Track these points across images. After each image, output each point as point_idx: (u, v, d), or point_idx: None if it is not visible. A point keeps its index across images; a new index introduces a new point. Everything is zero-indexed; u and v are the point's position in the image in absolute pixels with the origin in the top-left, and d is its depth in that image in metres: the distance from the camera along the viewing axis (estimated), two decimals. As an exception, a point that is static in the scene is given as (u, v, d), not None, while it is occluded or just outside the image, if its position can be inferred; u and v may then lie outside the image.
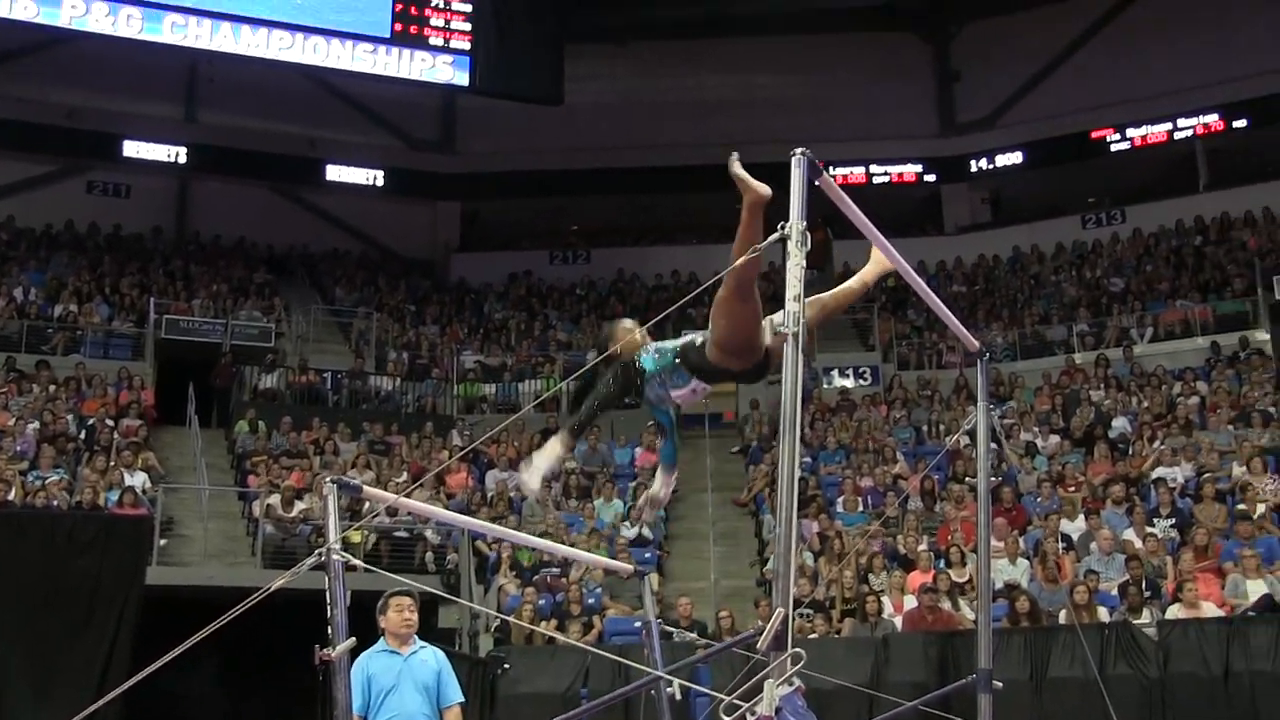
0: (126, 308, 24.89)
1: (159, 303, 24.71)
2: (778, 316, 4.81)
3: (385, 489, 17.53)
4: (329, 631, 4.97)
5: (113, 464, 18.53)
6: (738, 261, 4.89)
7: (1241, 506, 16.02)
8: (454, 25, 26.73)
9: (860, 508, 18.09)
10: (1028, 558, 15.64)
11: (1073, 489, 17.67)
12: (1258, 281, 23.86)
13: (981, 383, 7.34)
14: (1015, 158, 30.99)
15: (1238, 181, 28.40)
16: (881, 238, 5.28)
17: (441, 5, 26.70)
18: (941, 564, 15.73)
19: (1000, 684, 7.26)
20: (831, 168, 27.75)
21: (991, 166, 31.25)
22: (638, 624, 8.80)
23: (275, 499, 18.01)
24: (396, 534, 17.92)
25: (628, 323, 5.71)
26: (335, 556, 5.04)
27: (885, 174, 31.40)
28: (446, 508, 17.58)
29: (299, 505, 17.95)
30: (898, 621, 14.61)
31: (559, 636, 13.41)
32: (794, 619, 4.04)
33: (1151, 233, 28.20)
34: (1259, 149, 29.05)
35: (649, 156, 30.74)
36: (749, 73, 31.82)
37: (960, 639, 13.12)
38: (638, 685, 7.70)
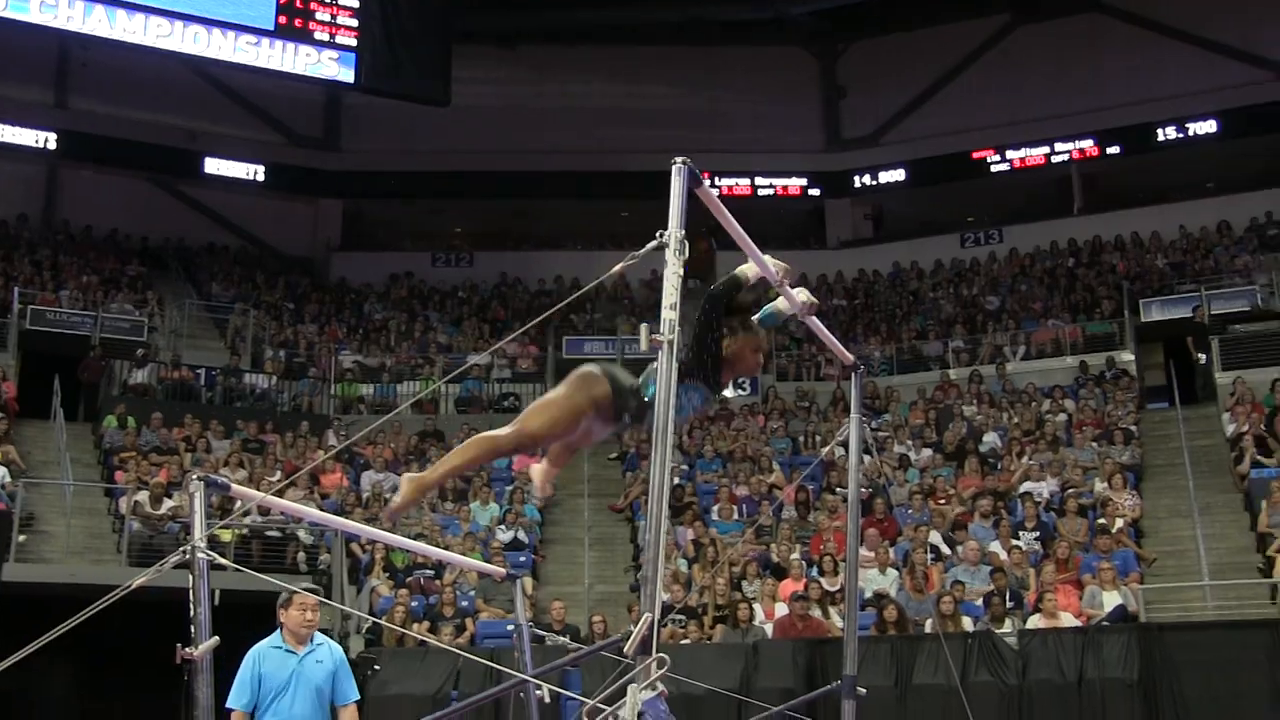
0: (-12, 296, 24.20)
1: (24, 292, 23.98)
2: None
3: (258, 488, 17.29)
4: (192, 631, 4.88)
5: (-30, 458, 18.01)
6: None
7: (1102, 521, 16.48)
8: (340, 20, 26.43)
9: (735, 516, 18.23)
10: (897, 568, 15.90)
11: (943, 501, 17.99)
12: (1125, 304, 24.51)
13: (855, 396, 7.44)
14: (898, 175, 31.49)
15: (1110, 206, 29.31)
16: (757, 250, 5.31)
17: (327, 0, 26.37)
18: (814, 572, 15.93)
19: (865, 691, 7.38)
20: (718, 179, 28.21)
21: (874, 183, 31.72)
22: (510, 627, 8.80)
23: (143, 496, 17.66)
24: (268, 533, 17.67)
25: (758, 338, 5.47)
26: (200, 555, 4.96)
27: (770, 187, 31.69)
28: (320, 508, 17.40)
29: (168, 503, 17.61)
30: (769, 628, 14.76)
31: (430, 639, 13.32)
32: (663, 625, 4.07)
33: (1027, 253, 28.84)
34: (1130, 176, 29.95)
35: (535, 161, 30.72)
36: (637, 82, 31.95)
37: (829, 646, 13.32)
38: (505, 687, 7.70)
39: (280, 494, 13.96)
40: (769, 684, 13.12)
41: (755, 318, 5.25)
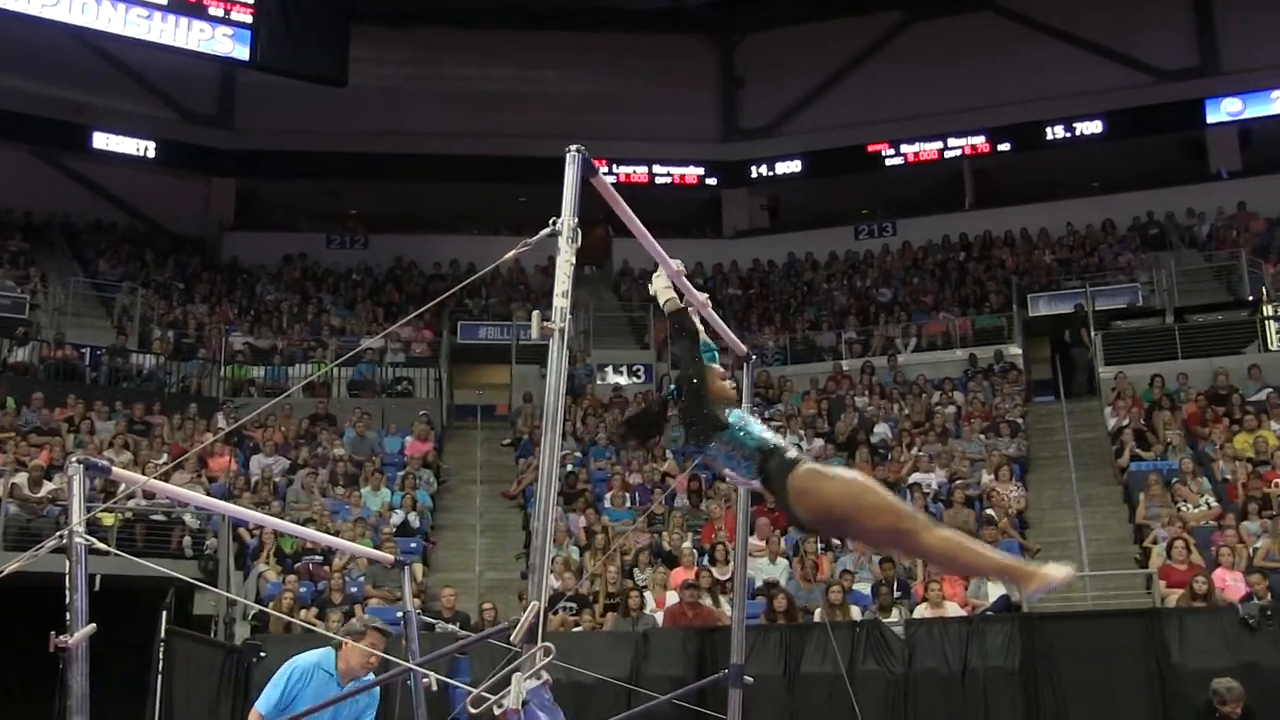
0: None
1: (-103, 267, 23.34)
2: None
3: (144, 470, 17.00)
4: (67, 618, 4.78)
5: None
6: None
7: (989, 512, 16.77)
8: (235, -4, 26.02)
9: (628, 504, 18.28)
10: (788, 557, 16.04)
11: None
12: (1013, 298, 24.95)
13: (746, 386, 7.48)
14: (794, 166, 31.77)
15: (1000, 202, 29.90)
16: (651, 238, 5.34)
17: (223, -25, 25.97)
18: (705, 561, 16.02)
19: (752, 679, 7.44)
20: (615, 166, 28.22)
21: (771, 173, 31.96)
22: (400, 613, 8.76)
23: (21, 478, 17.23)
24: (153, 517, 17.34)
25: (719, 369, 5.50)
26: (78, 539, 4.86)
27: (668, 175, 31.80)
28: (208, 491, 17.16)
29: (48, 485, 17.22)
30: (659, 617, 14.81)
31: (317, 627, 13.17)
32: (554, 612, 4.07)
33: (920, 246, 29.24)
34: (1020, 173, 30.54)
35: (432, 144, 30.52)
36: (536, 67, 31.87)
37: (719, 635, 13.38)
38: (390, 675, 7.64)
39: (166, 477, 13.74)
40: (659, 672, 13.18)
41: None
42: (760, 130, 32.34)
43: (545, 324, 4.20)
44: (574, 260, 4.34)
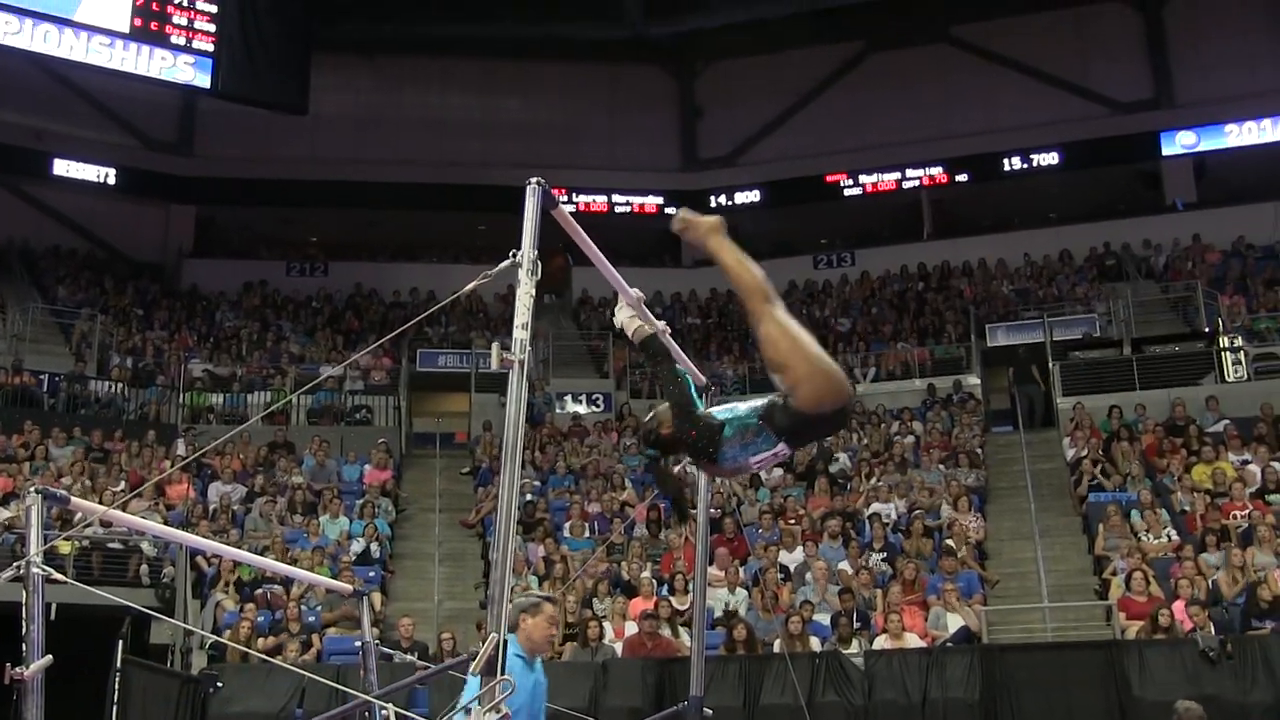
0: None
1: None
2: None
3: (101, 498, 16.90)
4: (23, 649, 4.74)
5: None
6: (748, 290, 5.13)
7: (948, 542, 16.82)
8: (197, 25, 25.95)
9: (587, 533, 18.25)
10: (747, 587, 16.05)
11: (793, 521, 18.20)
12: (971, 329, 25.12)
13: (705, 415, 7.50)
14: (753, 196, 31.92)
15: (958, 233, 30.14)
16: (610, 268, 5.38)
17: (185, 4, 25.87)
18: (664, 591, 16.01)
19: (711, 711, 7.45)
20: (574, 195, 28.30)
21: (730, 203, 32.03)
22: (358, 643, 8.71)
23: (-23, 506, 17.10)
24: (110, 545, 17.21)
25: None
26: (35, 570, 4.83)
27: (627, 204, 31.87)
28: (166, 519, 17.05)
29: (4, 513, 17.06)
30: (618, 647, 14.79)
31: (273, 661, 13.08)
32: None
33: (879, 276, 29.41)
34: (978, 203, 30.81)
35: (392, 172, 30.53)
36: (496, 95, 31.97)
37: (678, 665, 13.39)
38: (348, 707, 7.59)
39: (124, 505, 13.64)
40: (618, 703, 13.17)
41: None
42: (719, 160, 32.50)
43: (505, 355, 4.21)
44: (534, 292, 4.36)
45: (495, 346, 4.25)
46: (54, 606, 11.47)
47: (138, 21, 25.36)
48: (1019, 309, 25.83)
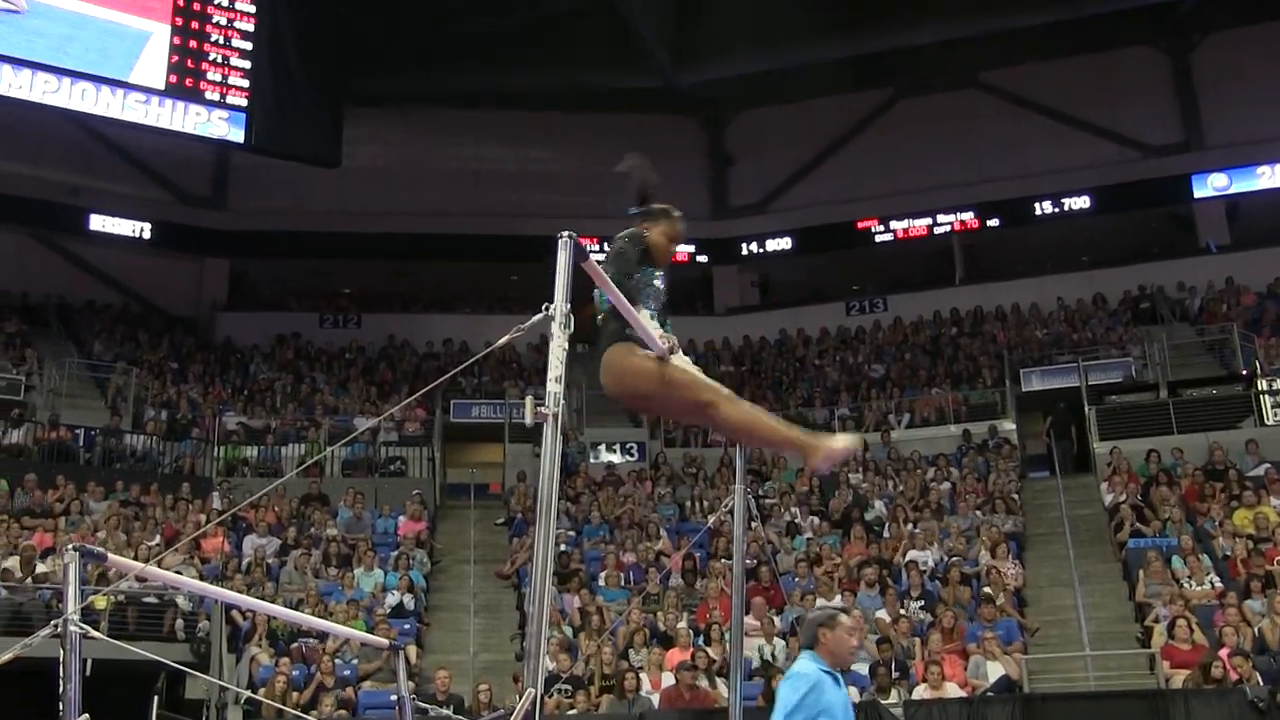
0: None
1: (-103, 350, 23.33)
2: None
3: (137, 552, 16.96)
4: (60, 709, 4.74)
5: None
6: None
7: (987, 590, 16.67)
8: (231, 81, 26.16)
9: (622, 583, 18.18)
10: (784, 637, 15.93)
11: (829, 570, 18.08)
12: (1006, 374, 24.99)
13: (739, 466, 7.48)
14: (784, 243, 31.92)
15: (990, 277, 30.05)
16: (639, 320, 5.37)
17: (219, 60, 26.10)
18: (700, 641, 15.92)
19: (749, 763, 7.36)
20: (606, 244, 28.38)
21: (761, 250, 32.11)
22: (394, 696, 8.67)
23: (13, 562, 17.13)
24: (145, 599, 17.23)
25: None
26: (73, 628, 4.83)
27: (659, 252, 31.81)
28: (201, 573, 17.09)
29: (41, 567, 17.12)
30: (655, 698, 14.69)
31: (309, 716, 13.04)
32: (549, 695, 4.05)
33: (911, 322, 29.33)
34: (1009, 248, 30.73)
35: (424, 223, 30.67)
36: (526, 146, 32.14)
37: (715, 716, 13.28)
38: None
39: (159, 561, 13.68)
40: (655, 754, 13.06)
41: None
42: (750, 207, 32.56)
43: (539, 409, 4.19)
44: (567, 345, 4.34)
45: (529, 400, 4.23)
46: (89, 662, 11.48)
47: (173, 78, 25.59)
48: (1053, 353, 25.69)
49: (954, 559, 17.91)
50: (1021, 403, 24.52)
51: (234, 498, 20.91)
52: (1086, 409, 22.63)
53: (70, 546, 5.23)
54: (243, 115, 26.28)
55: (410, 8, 27.83)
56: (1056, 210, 30.07)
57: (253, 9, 26.56)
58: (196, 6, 26.01)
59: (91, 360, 26.60)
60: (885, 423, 24.62)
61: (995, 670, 14.57)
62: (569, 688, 14.88)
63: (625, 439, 25.54)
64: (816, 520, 20.38)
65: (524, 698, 3.95)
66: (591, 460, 24.48)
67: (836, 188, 31.62)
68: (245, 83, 26.32)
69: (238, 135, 26.53)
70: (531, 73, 29.81)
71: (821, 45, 28.84)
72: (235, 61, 26.30)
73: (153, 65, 25.44)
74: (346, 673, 15.68)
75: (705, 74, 30.35)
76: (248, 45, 26.41)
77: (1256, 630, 14.72)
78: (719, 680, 14.67)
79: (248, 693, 14.54)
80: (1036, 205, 30.17)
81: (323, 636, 16.14)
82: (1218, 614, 15.25)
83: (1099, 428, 22.20)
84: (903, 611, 16.43)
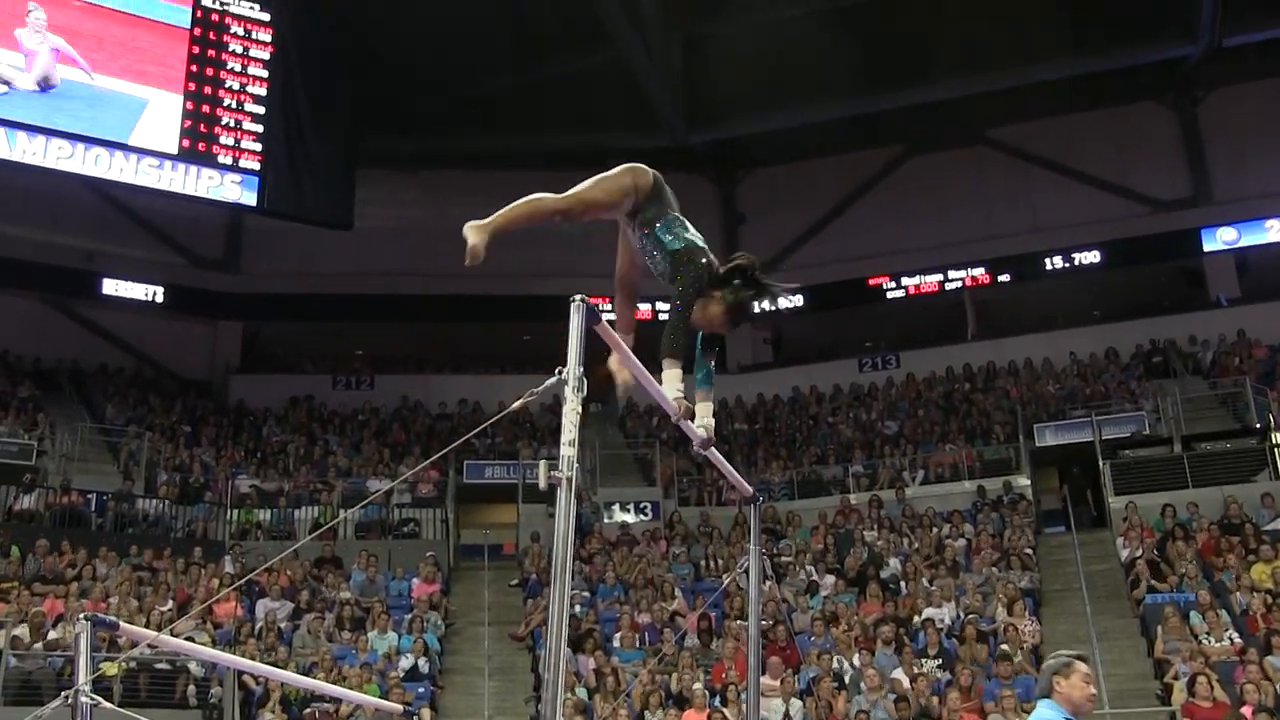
0: None
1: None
2: None
3: (149, 617, 16.91)
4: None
5: None
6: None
7: (1004, 647, 16.54)
8: (244, 145, 26.34)
9: (637, 644, 18.07)
10: (801, 697, 15.81)
11: (845, 628, 17.97)
12: (1019, 429, 24.91)
13: (754, 527, 7.45)
14: (796, 300, 31.95)
15: (1002, 332, 30.00)
16: (654, 381, 5.37)
17: (231, 124, 26.29)
18: (717, 702, 15.79)
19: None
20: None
21: (774, 308, 32.12)
22: (407, 763, 8.65)
23: (23, 629, 17.06)
24: (158, 665, 17.16)
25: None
26: (84, 699, 4.80)
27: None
28: (213, 638, 17.03)
29: (52, 634, 17.06)
30: (672, 760, 14.58)
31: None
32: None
33: (924, 378, 29.29)
34: (1020, 302, 30.75)
35: (436, 284, 30.71)
36: (539, 206, 32.16)
37: (732, 779, 13.16)
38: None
39: (172, 624, 13.63)
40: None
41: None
42: (762, 265, 32.55)
43: (553, 473, 4.19)
44: (580, 409, 4.35)
45: (544, 464, 4.23)
46: (103, 729, 11.41)
47: (185, 143, 25.76)
48: (1066, 408, 25.61)
49: (970, 616, 17.79)
50: (1035, 458, 24.42)
51: (247, 561, 20.86)
52: (1101, 464, 22.54)
53: (82, 616, 5.21)
54: (255, 178, 26.44)
55: (422, 70, 28.07)
56: (1067, 265, 30.13)
57: (265, 73, 26.78)
58: (210, 71, 26.24)
59: (104, 424, 26.62)
60: (899, 479, 24.53)
61: (1016, 729, 14.46)
62: (584, 751, 14.76)
63: (639, 499, 25.45)
64: (832, 578, 20.28)
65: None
66: (606, 520, 24.41)
67: (847, 245, 31.73)
68: (258, 146, 26.50)
69: (250, 198, 26.68)
70: (543, 133, 30.03)
71: (831, 104, 29.06)
72: (248, 125, 26.49)
73: (156, 130, 25.55)
74: (360, 737, 15.58)
75: (717, 133, 30.58)
76: (260, 109, 26.62)
77: (1278, 687, 14.57)
78: (735, 742, 14.55)
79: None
80: (1047, 260, 30.23)
81: (336, 701, 16.05)
82: (1238, 670, 15.12)
83: (1113, 482, 22.11)
84: (920, 670, 16.31)
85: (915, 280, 31.24)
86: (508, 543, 24.33)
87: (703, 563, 21.59)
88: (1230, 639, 16.26)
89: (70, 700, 4.81)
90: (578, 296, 4.51)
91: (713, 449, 6.02)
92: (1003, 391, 27.52)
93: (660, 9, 27.43)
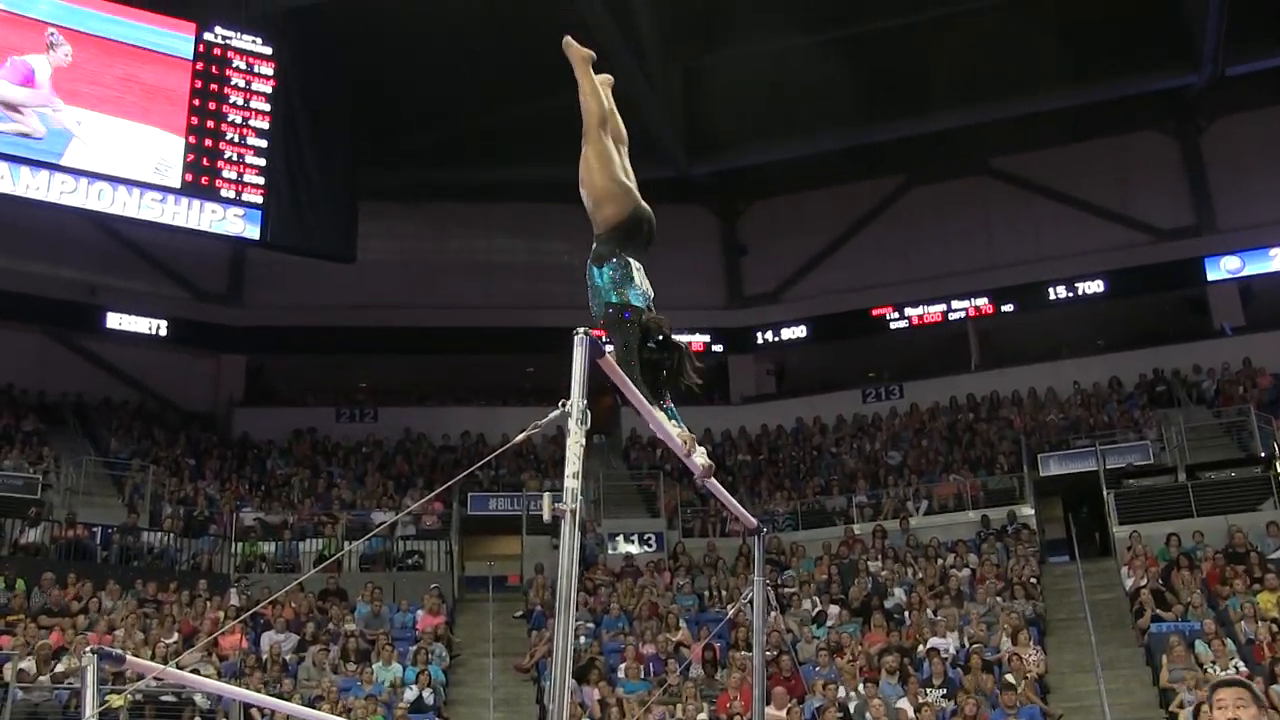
0: None
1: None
2: None
3: (154, 650, 16.90)
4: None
5: None
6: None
7: (1008, 677, 16.51)
8: (247, 179, 26.39)
9: (642, 675, 18.05)
10: (805, 727, 15.79)
11: (850, 658, 17.94)
12: (1023, 459, 24.89)
13: (757, 559, 7.47)
14: (799, 331, 32.01)
15: (1005, 362, 29.99)
16: (656, 416, 5.39)
17: (234, 158, 26.35)
18: (721, 733, 15.78)
19: None
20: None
21: (777, 339, 32.20)
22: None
23: (29, 662, 17.06)
24: (163, 697, 17.13)
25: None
26: (90, 732, 4.82)
27: (673, 342, 31.91)
28: (219, 670, 17.01)
29: (58, 667, 17.05)
30: (676, 792, 14.54)
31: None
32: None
33: (927, 408, 29.27)
34: (1024, 332, 30.76)
35: (439, 316, 30.80)
36: (540, 237, 32.33)
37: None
38: None
39: (176, 658, 13.63)
40: None
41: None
42: (764, 297, 32.69)
43: (557, 506, 4.22)
44: (584, 441, 4.37)
45: (547, 497, 4.26)
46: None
47: (189, 177, 25.82)
48: (1070, 437, 25.60)
49: (975, 646, 17.76)
50: (1040, 487, 24.42)
51: (252, 594, 20.86)
52: (1105, 493, 22.52)
53: (88, 649, 5.23)
54: (258, 212, 26.48)
55: (424, 103, 28.18)
56: (1070, 294, 30.16)
57: (267, 107, 26.85)
58: (212, 105, 26.33)
59: (108, 458, 26.63)
60: (903, 509, 24.51)
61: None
62: (589, 783, 14.74)
63: (643, 530, 25.44)
64: (836, 609, 20.26)
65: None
66: (610, 551, 24.39)
67: (850, 275, 31.78)
68: (261, 180, 26.54)
69: (253, 232, 26.72)
70: (543, 165, 30.04)
71: (832, 136, 29.16)
72: (250, 159, 26.54)
73: (169, 163, 25.65)
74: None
75: (718, 164, 30.68)
76: (263, 142, 26.66)
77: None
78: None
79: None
80: (1050, 290, 30.27)
81: (341, 734, 16.02)
82: (1245, 699, 15.05)
83: (1118, 511, 22.08)
84: (925, 699, 16.27)
85: (918, 310, 31.28)
86: (512, 574, 24.31)
87: (707, 593, 21.57)
88: (1236, 668, 16.20)
89: (77, 734, 4.83)
90: (581, 330, 4.55)
91: (714, 480, 6.04)
92: (1006, 421, 27.51)
93: (661, 41, 27.55)
